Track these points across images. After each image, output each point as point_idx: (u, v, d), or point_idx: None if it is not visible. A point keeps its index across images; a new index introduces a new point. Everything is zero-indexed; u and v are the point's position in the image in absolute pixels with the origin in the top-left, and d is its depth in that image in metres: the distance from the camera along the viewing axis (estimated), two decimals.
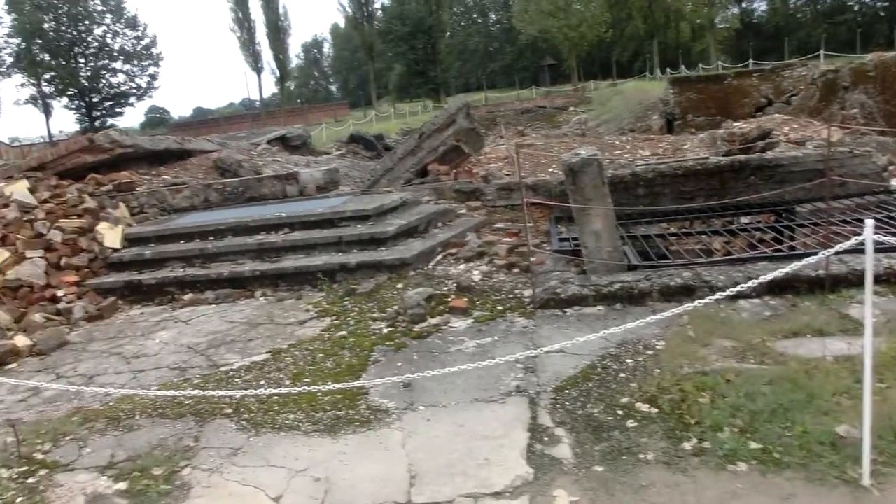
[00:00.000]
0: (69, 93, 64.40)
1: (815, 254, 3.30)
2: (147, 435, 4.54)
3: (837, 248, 3.07)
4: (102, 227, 9.20)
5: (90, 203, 9.68)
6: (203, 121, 76.88)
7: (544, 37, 65.91)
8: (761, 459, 3.38)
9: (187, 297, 7.95)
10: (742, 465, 3.36)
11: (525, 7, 66.18)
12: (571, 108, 45.81)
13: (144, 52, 67.86)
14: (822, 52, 35.92)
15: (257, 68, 71.97)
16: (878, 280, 5.30)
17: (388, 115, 57.01)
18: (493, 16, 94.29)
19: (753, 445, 3.48)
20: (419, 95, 72.94)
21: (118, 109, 69.32)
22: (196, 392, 4.60)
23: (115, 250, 8.98)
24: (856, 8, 64.18)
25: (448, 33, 79.38)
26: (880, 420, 3.44)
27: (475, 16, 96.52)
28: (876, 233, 2.98)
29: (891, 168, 9.25)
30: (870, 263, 2.91)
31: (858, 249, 3.12)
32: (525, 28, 67.26)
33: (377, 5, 72.93)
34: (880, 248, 5.48)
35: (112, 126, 58.37)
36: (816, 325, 4.86)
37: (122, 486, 3.91)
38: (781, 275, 3.37)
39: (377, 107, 67.95)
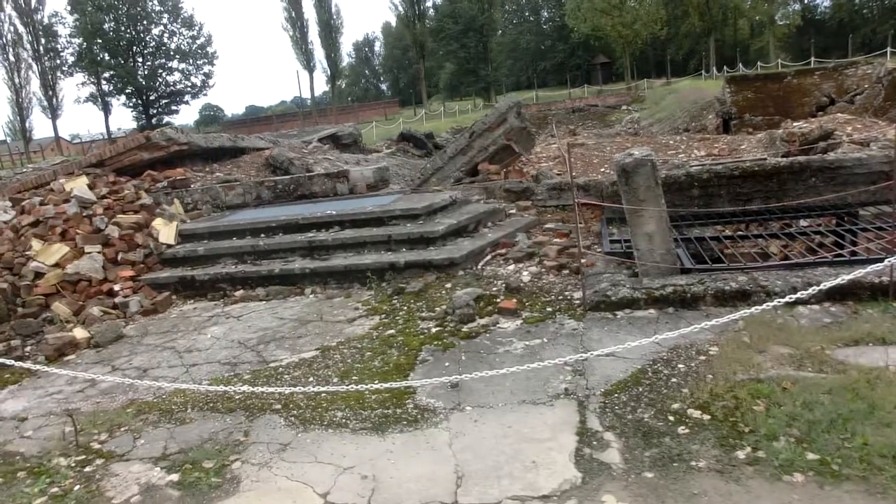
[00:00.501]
0: (127, 91, 66.45)
1: (880, 259, 3.17)
2: (198, 428, 4.64)
3: None
4: (157, 223, 9.44)
5: (146, 199, 9.95)
6: (255, 119, 78.49)
7: (597, 35, 65.10)
8: (819, 471, 3.27)
9: (239, 293, 8.09)
10: (798, 475, 3.26)
11: (578, 5, 65.41)
12: (624, 108, 45.33)
13: (200, 51, 69.62)
14: (888, 49, 34.63)
15: (309, 67, 72.88)
16: None
17: (439, 113, 57.17)
18: (545, 14, 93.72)
19: (811, 456, 3.37)
20: (469, 94, 73.04)
21: (174, 107, 71.44)
22: (246, 387, 4.68)
23: (170, 246, 9.19)
24: None
25: (499, 31, 79.35)
26: None
27: (527, 14, 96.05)
28: None
29: None
30: None
31: None
32: (577, 26, 66.48)
33: (429, 4, 73.13)
34: None
35: (168, 124, 59.98)
36: (879, 333, 4.67)
37: (175, 477, 4.00)
38: (843, 281, 3.26)
39: (427, 105, 68.21)
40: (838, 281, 3.27)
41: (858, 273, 3.17)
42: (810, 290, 3.46)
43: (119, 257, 8.65)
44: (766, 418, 3.73)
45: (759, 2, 60.20)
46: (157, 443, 4.48)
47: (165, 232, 9.29)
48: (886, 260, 3.07)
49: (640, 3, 63.27)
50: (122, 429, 4.74)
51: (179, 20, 68.22)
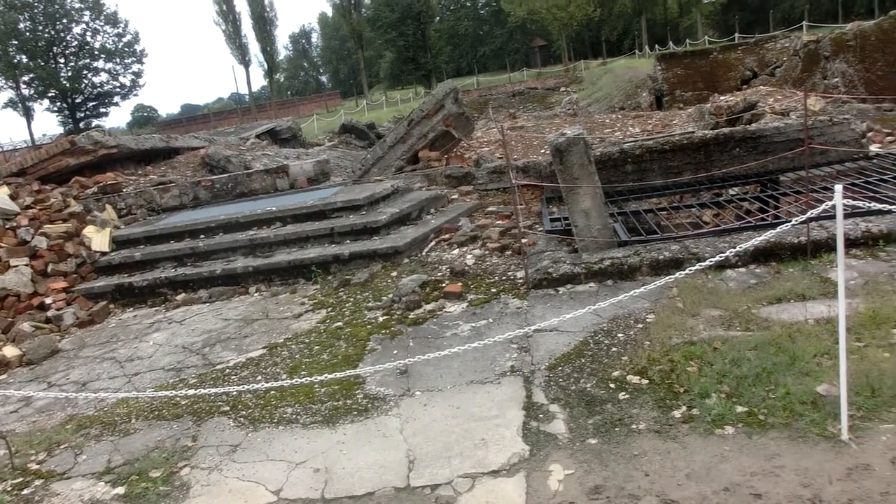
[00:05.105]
0: (50, 94, 62.43)
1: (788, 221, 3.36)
2: (144, 438, 4.57)
3: (809, 214, 3.14)
4: (89, 230, 9.14)
5: (75, 207, 9.62)
6: (191, 117, 76.50)
7: (533, 18, 65.46)
8: (747, 422, 3.47)
9: (180, 297, 7.98)
10: (729, 428, 3.45)
11: None
12: (563, 89, 45.68)
13: (127, 49, 66.29)
14: (804, 23, 35.82)
15: (245, 61, 71.10)
16: (856, 243, 5.41)
17: (380, 103, 56.87)
18: None
19: (739, 409, 3.58)
20: (410, 82, 72.74)
21: (103, 109, 67.54)
22: (192, 392, 4.63)
23: (104, 253, 8.96)
24: None
25: (437, 18, 78.95)
26: (857, 377, 3.55)
27: None
28: (853, 198, 3.05)
29: (870, 135, 9.36)
30: (840, 228, 2.96)
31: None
32: (514, 10, 66.62)
33: None
34: (858, 213, 5.56)
35: (97, 127, 57.44)
36: (799, 289, 4.95)
37: (121, 490, 3.93)
38: (760, 244, 3.44)
39: (369, 96, 67.70)
40: (755, 243, 3.44)
41: (770, 235, 3.36)
42: (732, 252, 3.63)
43: (49, 269, 8.35)
44: (698, 378, 3.94)
45: None
46: (100, 457, 4.39)
47: (98, 239, 9.02)
48: (793, 221, 3.25)
49: None
50: (62, 446, 4.63)
51: (102, 17, 64.57)
